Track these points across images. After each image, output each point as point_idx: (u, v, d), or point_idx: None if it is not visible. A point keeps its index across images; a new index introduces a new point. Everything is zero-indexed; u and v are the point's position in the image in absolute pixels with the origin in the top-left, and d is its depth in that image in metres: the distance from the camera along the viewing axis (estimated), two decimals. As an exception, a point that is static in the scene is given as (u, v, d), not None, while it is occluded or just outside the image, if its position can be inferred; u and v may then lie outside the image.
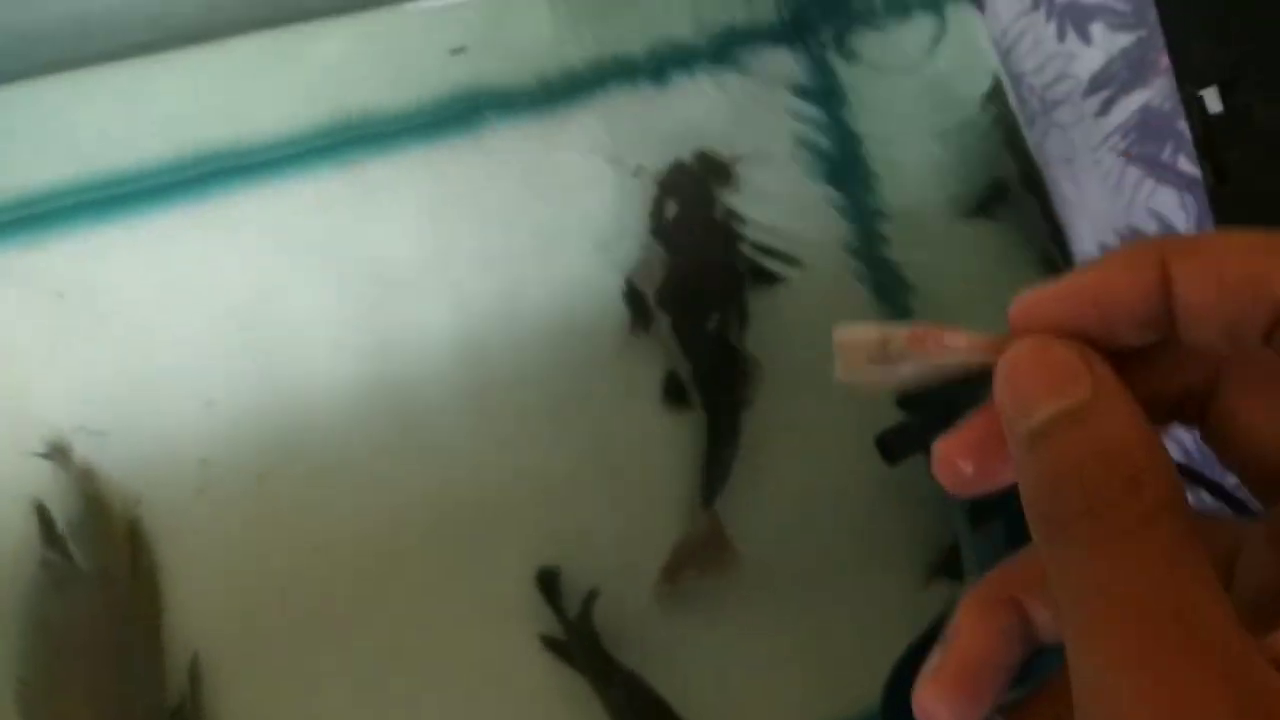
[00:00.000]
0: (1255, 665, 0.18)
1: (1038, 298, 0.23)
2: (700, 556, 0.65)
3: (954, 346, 0.23)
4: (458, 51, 0.71)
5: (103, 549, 0.59)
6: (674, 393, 0.69)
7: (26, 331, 0.61)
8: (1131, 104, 0.64)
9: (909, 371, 0.24)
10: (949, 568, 0.67)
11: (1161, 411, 0.24)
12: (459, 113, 0.70)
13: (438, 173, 0.69)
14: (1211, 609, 0.19)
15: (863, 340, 0.24)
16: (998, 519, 0.61)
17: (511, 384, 0.68)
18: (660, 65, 0.74)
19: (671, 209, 0.69)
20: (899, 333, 0.24)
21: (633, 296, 0.69)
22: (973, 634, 0.25)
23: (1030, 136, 0.75)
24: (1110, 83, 0.65)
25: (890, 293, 0.73)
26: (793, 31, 0.77)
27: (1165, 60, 0.60)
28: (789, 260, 0.72)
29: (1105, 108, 0.66)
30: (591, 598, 0.64)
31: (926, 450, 0.63)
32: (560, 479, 0.67)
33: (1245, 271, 0.21)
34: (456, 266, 0.69)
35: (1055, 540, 0.20)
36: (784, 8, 0.76)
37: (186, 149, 0.66)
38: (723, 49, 0.76)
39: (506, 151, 0.71)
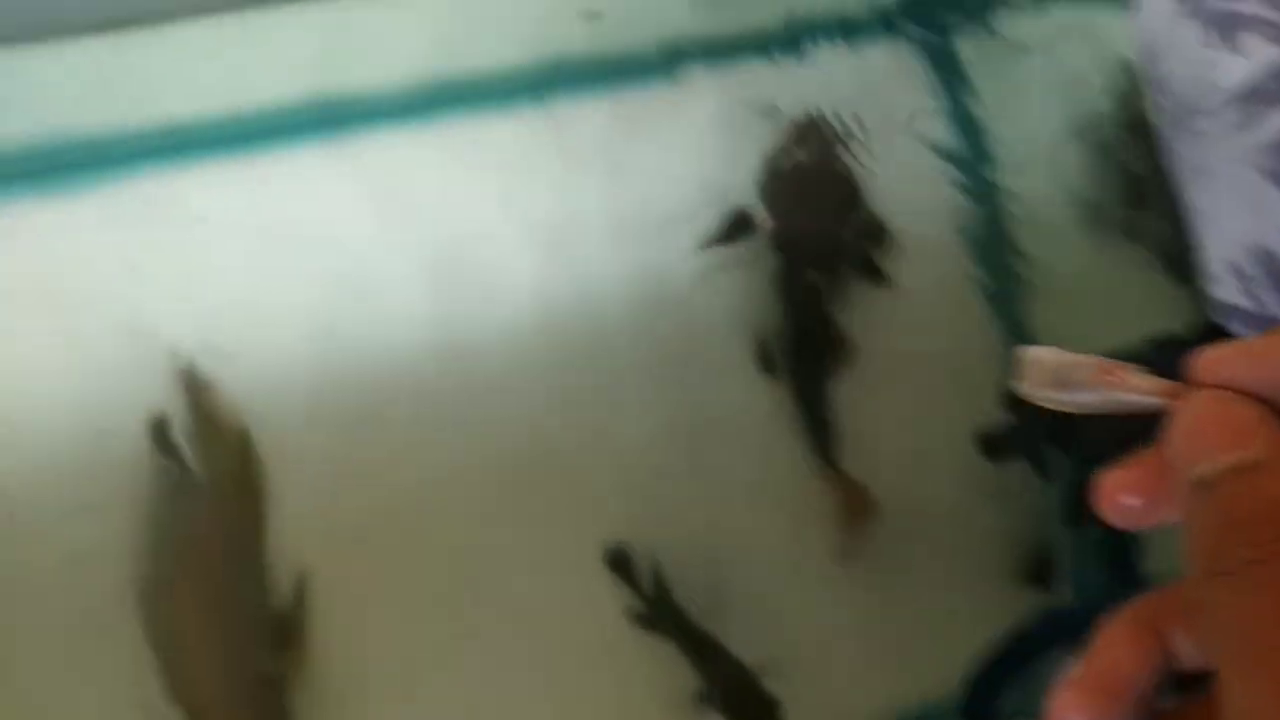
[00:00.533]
0: None
1: (1222, 355, 0.24)
2: (848, 513, 0.66)
3: (1136, 386, 0.25)
4: (593, 17, 0.71)
5: (214, 460, 0.63)
6: (766, 356, 0.69)
7: (172, 252, 0.64)
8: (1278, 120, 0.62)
9: (1086, 399, 0.26)
10: (1039, 576, 0.68)
11: None
12: (582, 75, 0.71)
13: (552, 133, 0.71)
14: None
15: (1050, 363, 0.26)
16: (1095, 529, 0.61)
17: (603, 342, 0.69)
18: (793, 38, 0.74)
19: (795, 157, 0.70)
20: (1085, 363, 0.25)
21: (739, 222, 0.69)
22: (1116, 650, 0.26)
23: (1166, 142, 0.73)
24: (1259, 96, 0.63)
25: (1005, 287, 0.73)
26: (923, 10, 0.76)
27: (1320, 78, 0.59)
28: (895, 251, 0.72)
29: (1250, 121, 0.64)
30: (659, 573, 0.64)
31: (1025, 453, 0.63)
32: (646, 442, 0.69)
33: None
34: (567, 227, 0.70)
35: (1218, 580, 0.22)
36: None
37: (312, 94, 0.68)
38: (852, 26, 0.76)
39: (627, 115, 0.72)
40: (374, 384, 0.66)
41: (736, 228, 0.70)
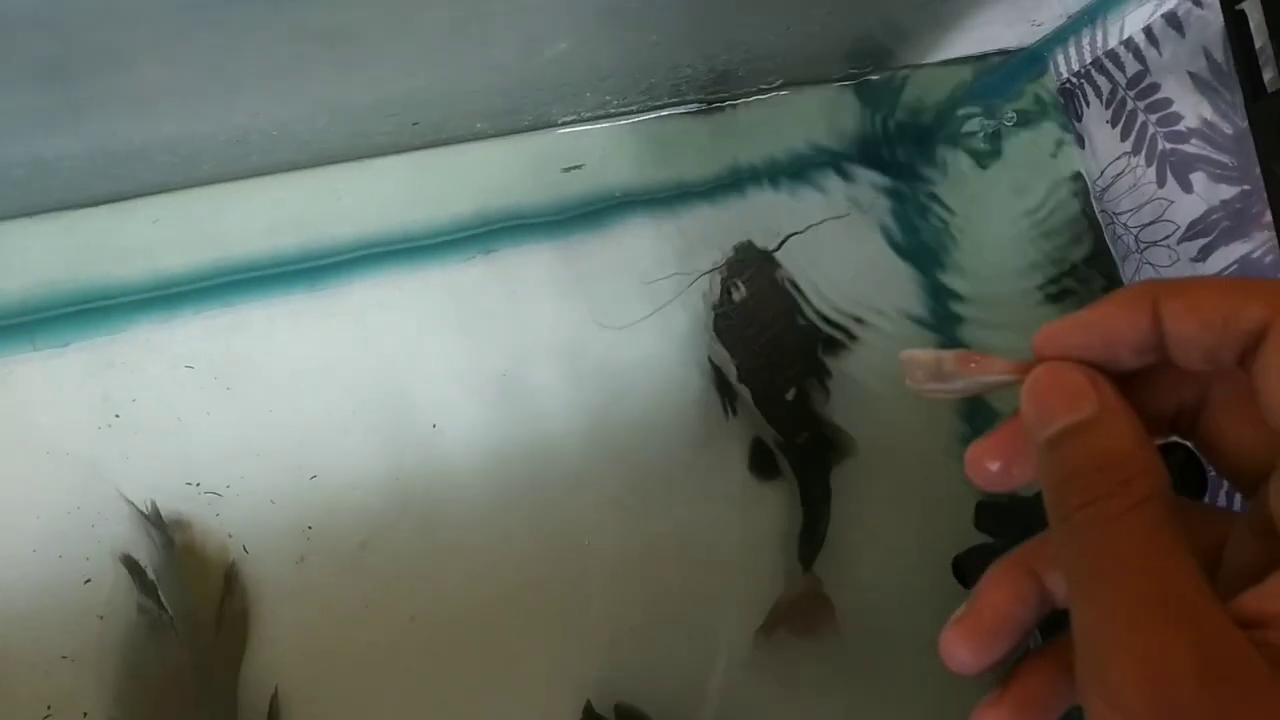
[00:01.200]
0: (1215, 619, 0.22)
1: (1056, 329, 0.28)
2: (799, 616, 0.68)
3: (994, 368, 0.29)
4: (572, 169, 0.74)
5: (189, 596, 0.62)
6: (761, 462, 0.72)
7: (158, 398, 0.65)
8: (1231, 254, 0.65)
9: (960, 385, 0.30)
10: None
11: (1162, 424, 0.29)
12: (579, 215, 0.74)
13: (556, 266, 0.74)
14: (1180, 576, 0.23)
15: (921, 360, 0.30)
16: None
17: (613, 466, 0.71)
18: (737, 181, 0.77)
19: (739, 290, 0.73)
20: (953, 355, 0.30)
21: (718, 379, 0.72)
22: (996, 592, 0.30)
23: (1123, 273, 0.76)
24: (1209, 231, 0.66)
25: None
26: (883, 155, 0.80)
27: (1268, 215, 0.62)
28: (854, 323, 0.75)
29: (1203, 255, 0.67)
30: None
31: None
32: (645, 555, 0.70)
33: (1219, 308, 0.25)
34: (565, 357, 0.72)
35: (1063, 524, 0.25)
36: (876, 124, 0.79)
37: (314, 243, 0.70)
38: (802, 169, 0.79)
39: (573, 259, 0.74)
40: (354, 524, 0.66)
41: (722, 390, 0.73)
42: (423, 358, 0.70)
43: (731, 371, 0.72)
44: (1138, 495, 0.24)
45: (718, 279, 0.73)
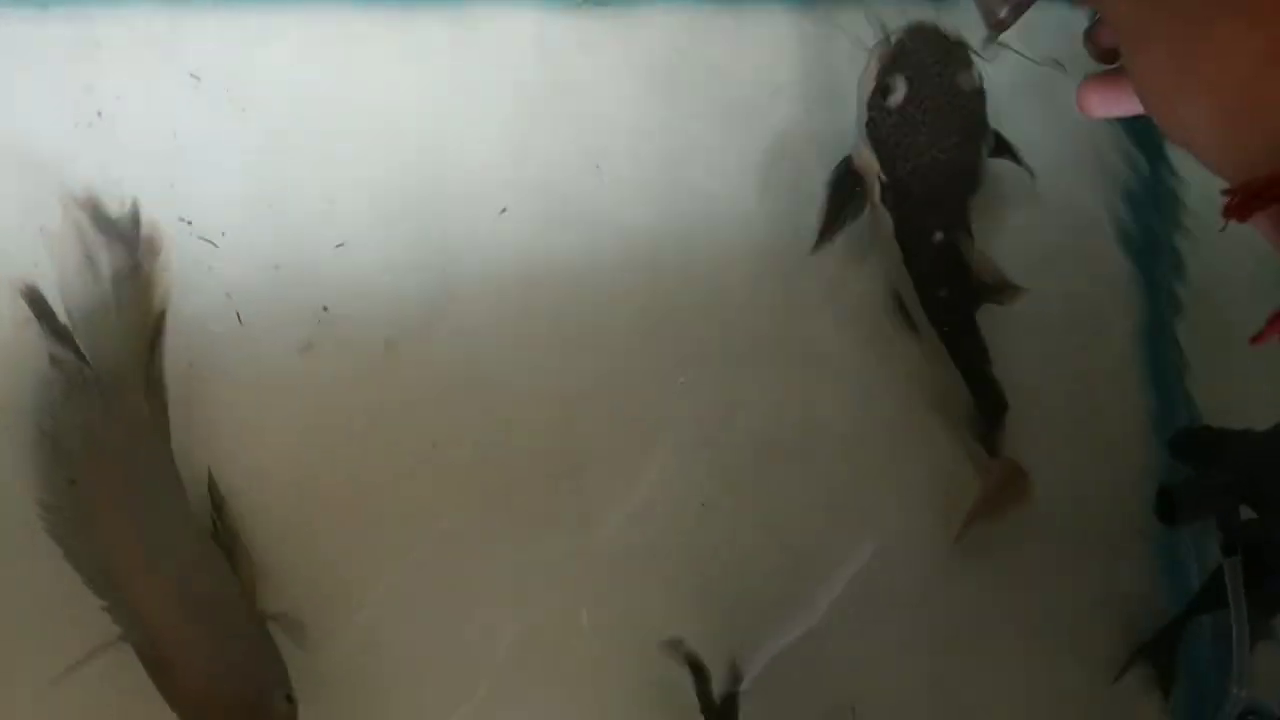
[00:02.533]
0: None
1: None
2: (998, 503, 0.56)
3: None
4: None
5: (118, 348, 0.47)
6: (901, 313, 0.57)
7: (152, 103, 0.50)
8: None
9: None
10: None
11: None
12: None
13: (664, 37, 0.56)
14: None
15: None
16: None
17: (696, 301, 0.56)
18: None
19: (897, 91, 0.54)
20: None
21: (844, 187, 0.55)
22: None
23: None
24: None
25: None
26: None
27: None
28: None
29: None
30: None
31: (1213, 513, 0.48)
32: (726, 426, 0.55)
33: None
34: (659, 150, 0.56)
35: None
36: None
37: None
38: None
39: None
40: (382, 316, 0.52)
41: (845, 196, 0.56)
42: (498, 125, 0.54)
43: (875, 187, 0.55)
44: None
45: (873, 65, 0.53)
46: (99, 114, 0.49)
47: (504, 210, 0.54)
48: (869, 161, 0.54)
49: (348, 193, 0.52)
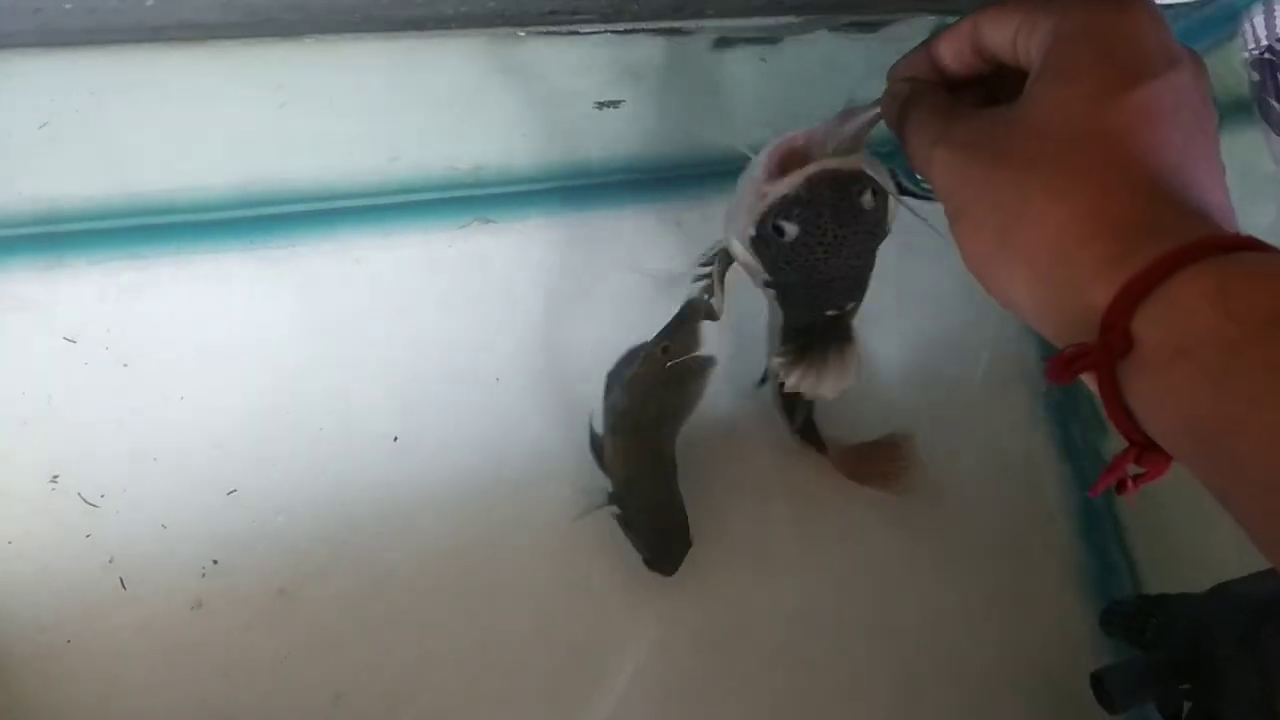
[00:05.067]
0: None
1: (901, 64, 0.41)
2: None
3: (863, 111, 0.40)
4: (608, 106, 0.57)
5: None
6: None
7: (23, 368, 0.49)
8: None
9: (849, 131, 0.40)
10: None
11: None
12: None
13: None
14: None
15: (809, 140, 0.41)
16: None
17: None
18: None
19: (793, 231, 0.44)
20: (826, 123, 0.41)
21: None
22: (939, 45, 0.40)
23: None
24: None
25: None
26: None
27: None
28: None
29: None
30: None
31: (1154, 696, 0.45)
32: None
33: (1020, 21, 0.36)
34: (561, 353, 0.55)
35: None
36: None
37: (258, 183, 0.53)
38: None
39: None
40: (274, 563, 0.50)
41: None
42: (385, 347, 0.53)
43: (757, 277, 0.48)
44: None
45: (765, 194, 0.44)
46: (-31, 386, 0.48)
47: (396, 439, 0.52)
48: (749, 260, 0.47)
49: (236, 437, 0.50)
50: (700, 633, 0.54)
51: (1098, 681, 0.45)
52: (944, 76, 0.40)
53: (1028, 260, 0.32)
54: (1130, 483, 0.31)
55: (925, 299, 0.62)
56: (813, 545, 0.57)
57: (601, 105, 0.55)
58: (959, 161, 0.34)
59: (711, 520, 0.55)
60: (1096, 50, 0.32)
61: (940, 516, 0.59)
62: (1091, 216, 0.31)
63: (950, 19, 0.40)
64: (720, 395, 0.57)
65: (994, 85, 0.39)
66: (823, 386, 0.47)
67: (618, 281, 0.57)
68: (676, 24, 0.55)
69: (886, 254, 0.45)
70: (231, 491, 0.50)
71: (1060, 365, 0.30)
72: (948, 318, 0.62)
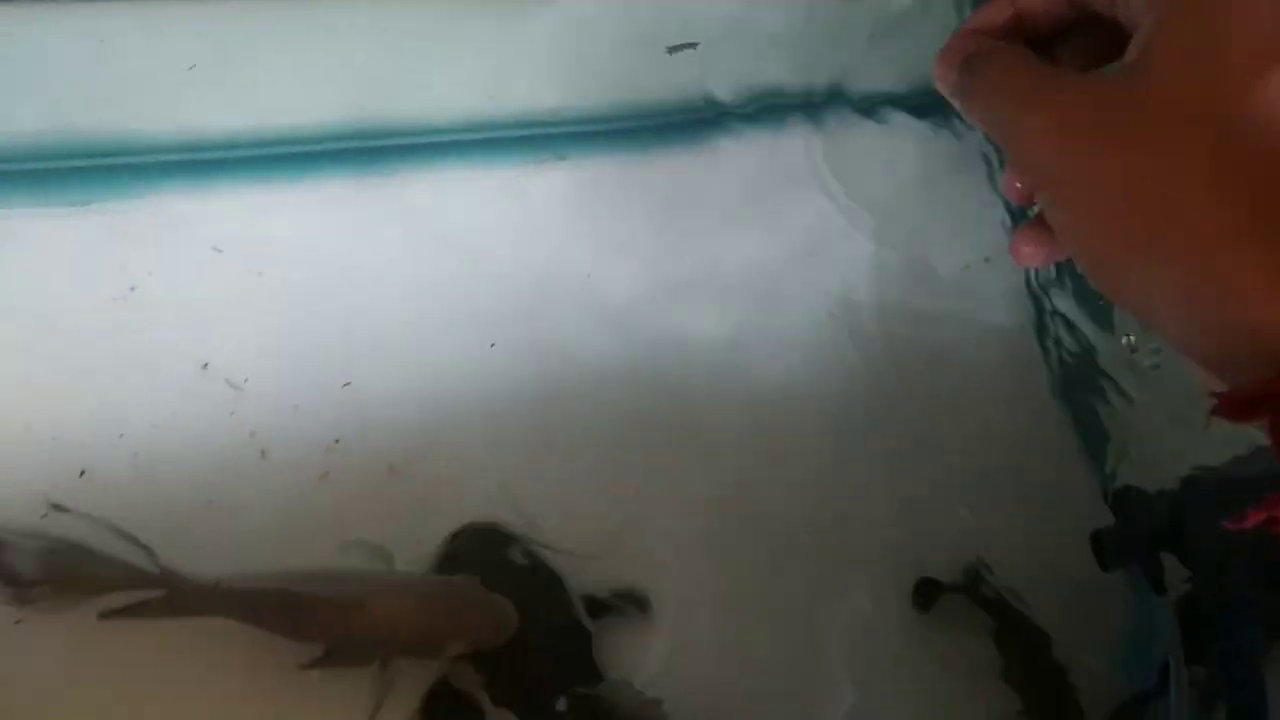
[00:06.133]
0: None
1: (973, 16, 0.37)
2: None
3: None
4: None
5: None
6: None
7: (179, 276, 0.57)
8: None
9: None
10: None
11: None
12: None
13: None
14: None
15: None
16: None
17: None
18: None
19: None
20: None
21: None
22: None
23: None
24: None
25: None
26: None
27: None
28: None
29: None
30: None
31: (1143, 559, 0.54)
32: None
33: None
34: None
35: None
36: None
37: (372, 120, 0.62)
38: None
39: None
40: (385, 444, 0.58)
41: None
42: (481, 266, 0.62)
43: None
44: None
45: None
46: (132, 288, 0.57)
47: (492, 345, 0.61)
48: None
49: (351, 337, 0.59)
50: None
51: (1096, 541, 0.54)
52: (1024, 29, 0.35)
53: (1177, 266, 0.27)
54: None
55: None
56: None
57: (673, 50, 0.65)
58: (1068, 136, 0.29)
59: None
60: (1241, 11, 0.27)
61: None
62: (1264, 218, 0.26)
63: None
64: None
65: (1082, 42, 0.35)
66: None
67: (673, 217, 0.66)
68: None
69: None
70: (346, 384, 0.59)
71: (1240, 405, 0.26)
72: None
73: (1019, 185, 0.36)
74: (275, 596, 0.50)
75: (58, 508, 0.50)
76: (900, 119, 0.73)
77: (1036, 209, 0.35)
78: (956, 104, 0.35)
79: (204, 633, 0.49)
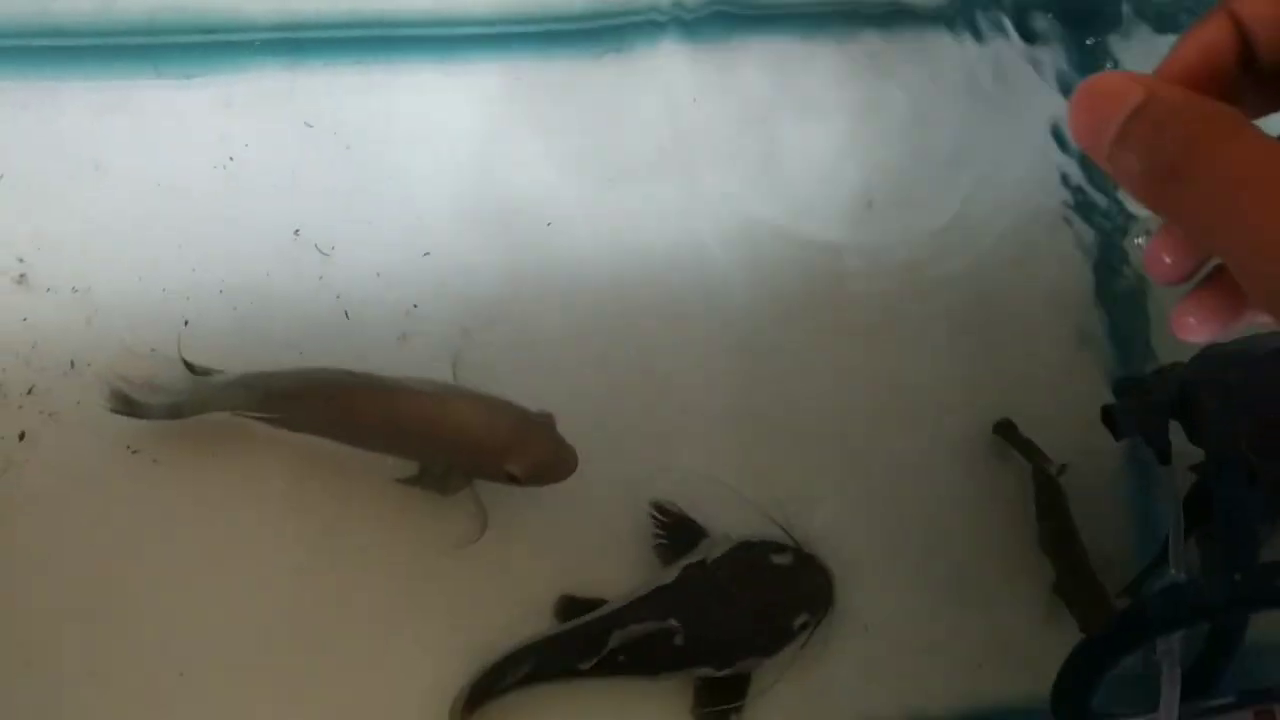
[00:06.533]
0: None
1: (1161, 67, 0.30)
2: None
3: None
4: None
5: None
6: None
7: (274, 147, 0.62)
8: None
9: None
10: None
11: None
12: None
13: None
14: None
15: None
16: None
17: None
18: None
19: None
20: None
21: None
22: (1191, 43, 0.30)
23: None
24: None
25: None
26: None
27: None
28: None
29: None
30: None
31: (1150, 430, 0.56)
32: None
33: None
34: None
35: (1175, 182, 0.26)
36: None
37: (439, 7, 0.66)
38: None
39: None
40: (459, 309, 0.63)
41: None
42: (538, 150, 0.66)
43: None
44: (1228, 122, 0.25)
45: None
46: (231, 158, 0.62)
47: (549, 224, 0.65)
48: None
49: (431, 211, 0.64)
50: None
51: (1107, 412, 0.57)
52: (1243, 55, 0.29)
53: None
54: None
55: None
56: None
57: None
58: None
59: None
60: None
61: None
62: None
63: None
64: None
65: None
66: None
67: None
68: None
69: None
70: (426, 254, 0.63)
71: None
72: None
73: (1170, 259, 0.30)
74: (364, 380, 0.54)
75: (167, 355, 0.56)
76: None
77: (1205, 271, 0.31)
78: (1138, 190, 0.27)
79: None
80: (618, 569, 0.60)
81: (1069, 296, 0.70)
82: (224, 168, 0.61)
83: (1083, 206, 0.71)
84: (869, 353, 0.67)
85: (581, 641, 0.56)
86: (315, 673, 0.57)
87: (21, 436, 0.56)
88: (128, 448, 0.57)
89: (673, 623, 0.56)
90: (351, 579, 0.58)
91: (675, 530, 0.61)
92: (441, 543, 0.58)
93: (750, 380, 0.65)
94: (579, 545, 0.61)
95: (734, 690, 0.59)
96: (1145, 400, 0.56)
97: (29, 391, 0.57)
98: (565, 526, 0.61)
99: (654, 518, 0.61)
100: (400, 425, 0.54)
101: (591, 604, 0.58)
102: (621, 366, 0.64)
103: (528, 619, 0.58)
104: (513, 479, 0.54)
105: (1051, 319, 0.70)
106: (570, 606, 0.59)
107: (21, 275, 0.58)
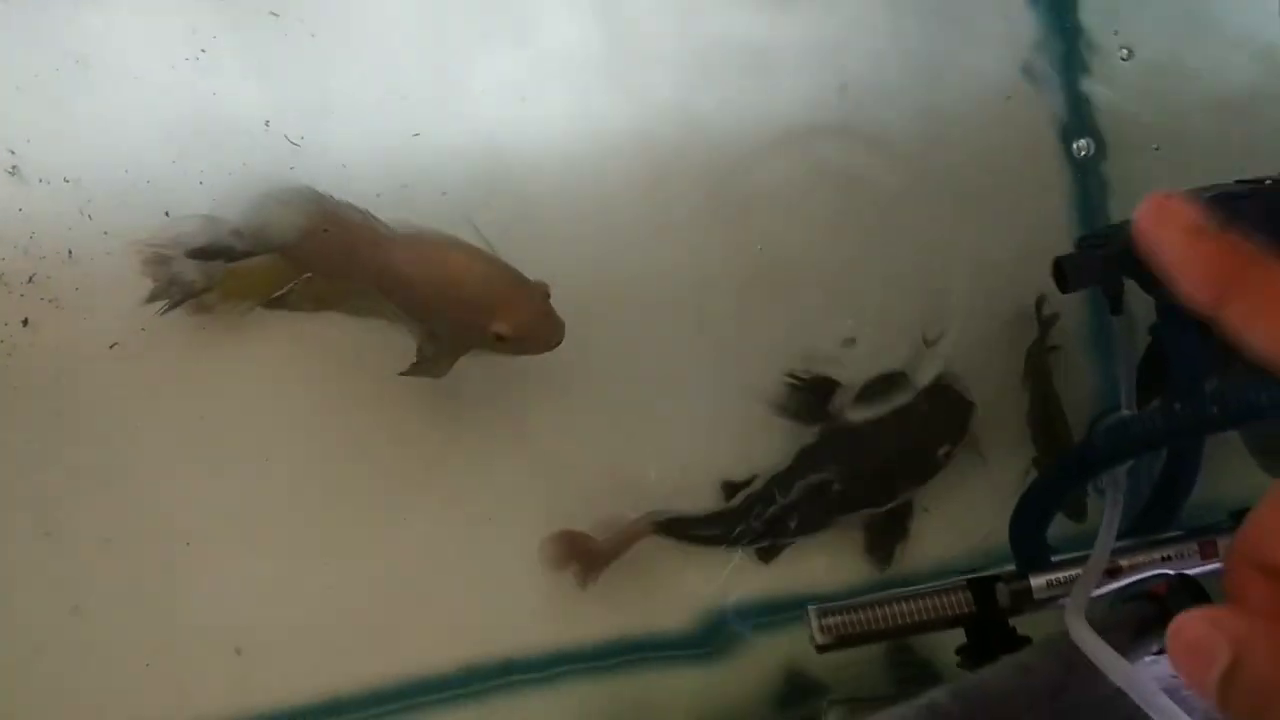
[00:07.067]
0: None
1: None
2: None
3: None
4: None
5: None
6: None
7: (242, 39, 0.63)
8: None
9: None
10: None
11: None
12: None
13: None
14: None
15: None
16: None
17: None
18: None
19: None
20: None
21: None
22: None
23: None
24: None
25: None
26: None
27: None
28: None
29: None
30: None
31: (1102, 280, 0.58)
32: None
33: None
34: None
35: None
36: None
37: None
38: None
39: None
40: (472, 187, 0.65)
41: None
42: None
43: None
44: None
45: None
46: (202, 50, 0.63)
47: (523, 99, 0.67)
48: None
49: (412, 91, 0.65)
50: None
51: (1058, 265, 0.58)
52: None
53: None
54: None
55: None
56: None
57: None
58: None
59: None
60: None
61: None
62: None
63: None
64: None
65: None
66: None
67: None
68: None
69: None
70: (416, 134, 0.65)
71: None
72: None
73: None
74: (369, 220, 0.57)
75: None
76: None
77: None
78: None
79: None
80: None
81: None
82: (195, 60, 0.63)
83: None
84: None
85: (748, 513, 0.63)
86: (315, 545, 0.62)
87: (25, 323, 0.60)
88: (132, 328, 0.60)
89: (827, 475, 0.63)
90: (355, 451, 0.63)
91: (812, 389, 0.66)
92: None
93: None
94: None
95: (898, 523, 0.66)
96: (1098, 253, 0.57)
97: (29, 280, 0.60)
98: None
99: (791, 384, 0.66)
100: (397, 269, 0.56)
101: (744, 483, 0.65)
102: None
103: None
104: (499, 339, 0.55)
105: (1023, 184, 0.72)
106: (728, 488, 0.65)
107: (14, 167, 0.61)
